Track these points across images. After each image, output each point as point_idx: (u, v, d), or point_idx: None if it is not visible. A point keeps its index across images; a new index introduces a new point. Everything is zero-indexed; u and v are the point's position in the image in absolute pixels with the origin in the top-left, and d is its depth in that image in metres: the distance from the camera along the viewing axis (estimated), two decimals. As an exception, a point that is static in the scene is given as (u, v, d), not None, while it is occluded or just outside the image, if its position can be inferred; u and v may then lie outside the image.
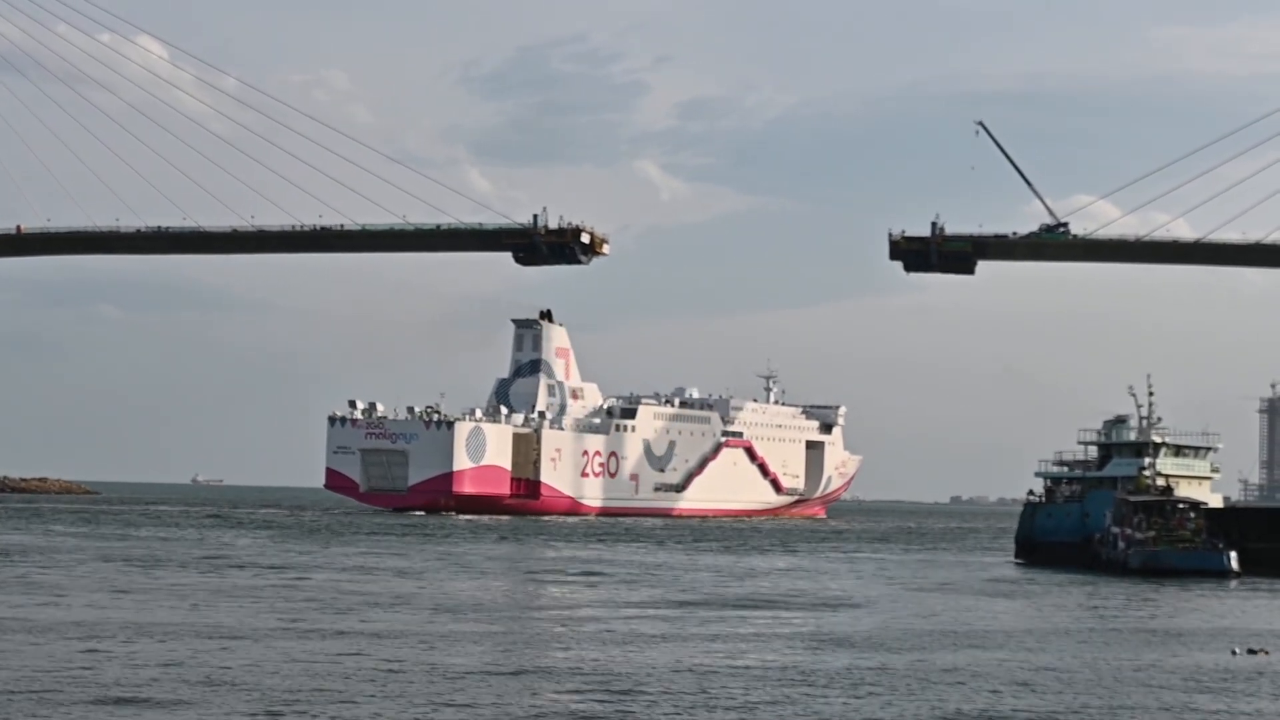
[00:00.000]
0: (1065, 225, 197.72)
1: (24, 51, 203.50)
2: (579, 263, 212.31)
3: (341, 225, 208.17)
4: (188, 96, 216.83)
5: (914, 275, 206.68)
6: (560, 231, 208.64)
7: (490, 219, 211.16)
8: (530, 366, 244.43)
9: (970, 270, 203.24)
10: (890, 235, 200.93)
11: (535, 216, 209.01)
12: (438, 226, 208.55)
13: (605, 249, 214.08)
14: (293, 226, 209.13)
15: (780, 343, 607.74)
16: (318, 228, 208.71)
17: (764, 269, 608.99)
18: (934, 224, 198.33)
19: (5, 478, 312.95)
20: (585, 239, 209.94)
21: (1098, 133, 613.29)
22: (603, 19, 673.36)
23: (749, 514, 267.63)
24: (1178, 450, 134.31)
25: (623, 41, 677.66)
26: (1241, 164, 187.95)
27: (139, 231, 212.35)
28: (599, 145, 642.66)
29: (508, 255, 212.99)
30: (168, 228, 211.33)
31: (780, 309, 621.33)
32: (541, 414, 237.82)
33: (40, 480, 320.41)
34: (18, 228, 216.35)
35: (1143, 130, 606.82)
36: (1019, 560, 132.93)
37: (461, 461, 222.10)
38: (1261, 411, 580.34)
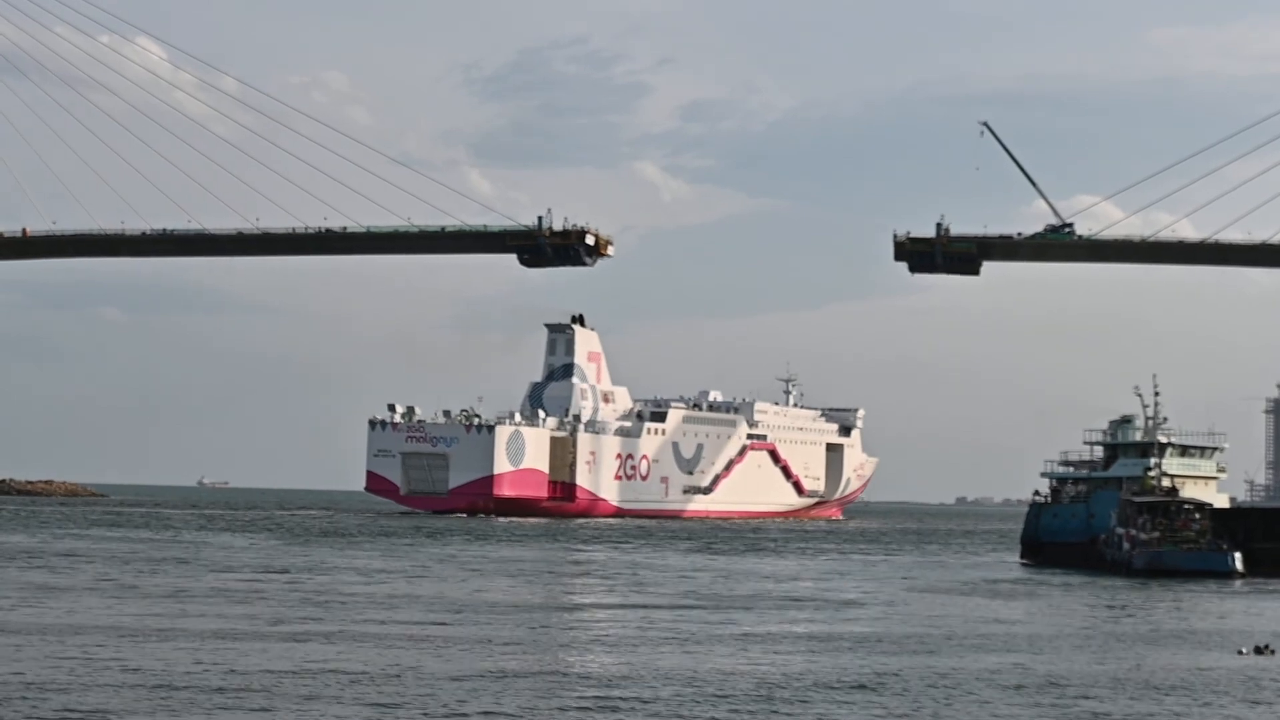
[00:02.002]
0: (1070, 226, 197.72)
1: (26, 52, 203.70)
2: (584, 264, 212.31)
3: (344, 227, 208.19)
4: (188, 98, 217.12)
5: (919, 276, 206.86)
6: (565, 233, 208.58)
7: (493, 221, 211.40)
8: (563, 370, 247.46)
9: (975, 271, 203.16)
10: (895, 236, 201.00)
11: (540, 218, 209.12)
12: (442, 228, 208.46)
13: (610, 250, 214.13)
14: (294, 229, 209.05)
15: (785, 345, 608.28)
16: (322, 230, 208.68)
17: (767, 271, 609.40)
18: (939, 225, 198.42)
19: (10, 480, 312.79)
20: (590, 240, 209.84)
21: (1101, 133, 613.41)
22: (604, 21, 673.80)
23: (772, 516, 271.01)
24: (1183, 450, 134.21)
25: (624, 43, 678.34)
26: (1246, 165, 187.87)
27: (144, 234, 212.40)
28: (600, 147, 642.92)
29: (511, 257, 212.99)
30: (173, 230, 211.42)
31: (784, 311, 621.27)
32: (577, 418, 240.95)
33: (46, 483, 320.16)
34: (24, 230, 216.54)
35: (1146, 131, 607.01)
36: (1024, 561, 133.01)
37: (502, 465, 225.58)
38: (1268, 412, 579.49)
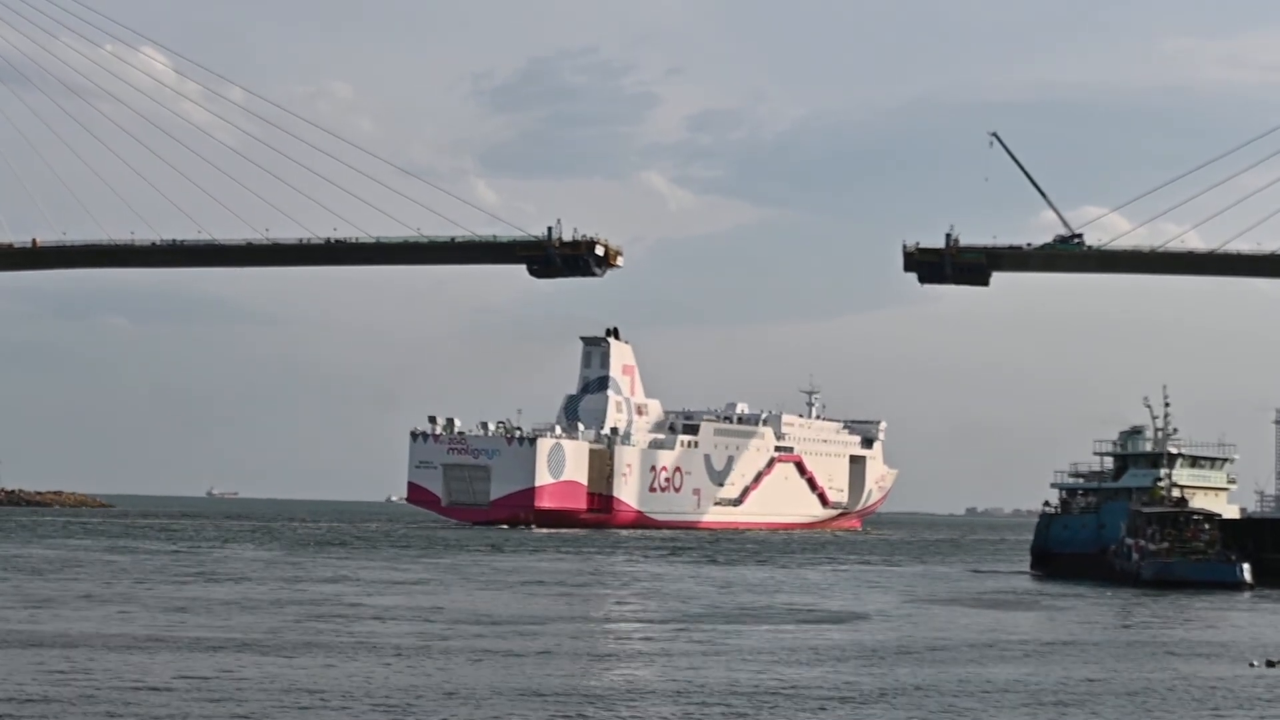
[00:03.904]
0: (1080, 236, 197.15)
1: (33, 60, 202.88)
2: (593, 275, 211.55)
3: (354, 238, 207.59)
4: (195, 107, 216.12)
5: (928, 287, 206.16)
6: (575, 244, 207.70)
7: (502, 231, 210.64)
8: (598, 383, 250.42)
9: (985, 281, 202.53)
10: (904, 247, 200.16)
11: (550, 229, 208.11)
12: (452, 239, 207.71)
13: (619, 261, 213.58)
14: (303, 240, 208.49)
15: (794, 356, 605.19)
16: (332, 240, 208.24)
17: (776, 281, 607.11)
18: (948, 235, 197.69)
19: (20, 491, 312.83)
20: (599, 251, 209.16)
21: (1108, 143, 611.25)
22: (614, 31, 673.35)
23: (798, 527, 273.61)
24: (1193, 461, 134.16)
25: (634, 53, 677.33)
26: (1254, 175, 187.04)
27: (154, 245, 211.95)
28: (609, 157, 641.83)
29: (520, 268, 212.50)
30: (182, 241, 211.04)
31: (793, 322, 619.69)
32: (614, 430, 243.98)
33: (55, 493, 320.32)
34: (33, 241, 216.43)
35: (1154, 141, 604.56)
36: (1034, 571, 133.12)
37: (543, 477, 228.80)
38: (1277, 423, 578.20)
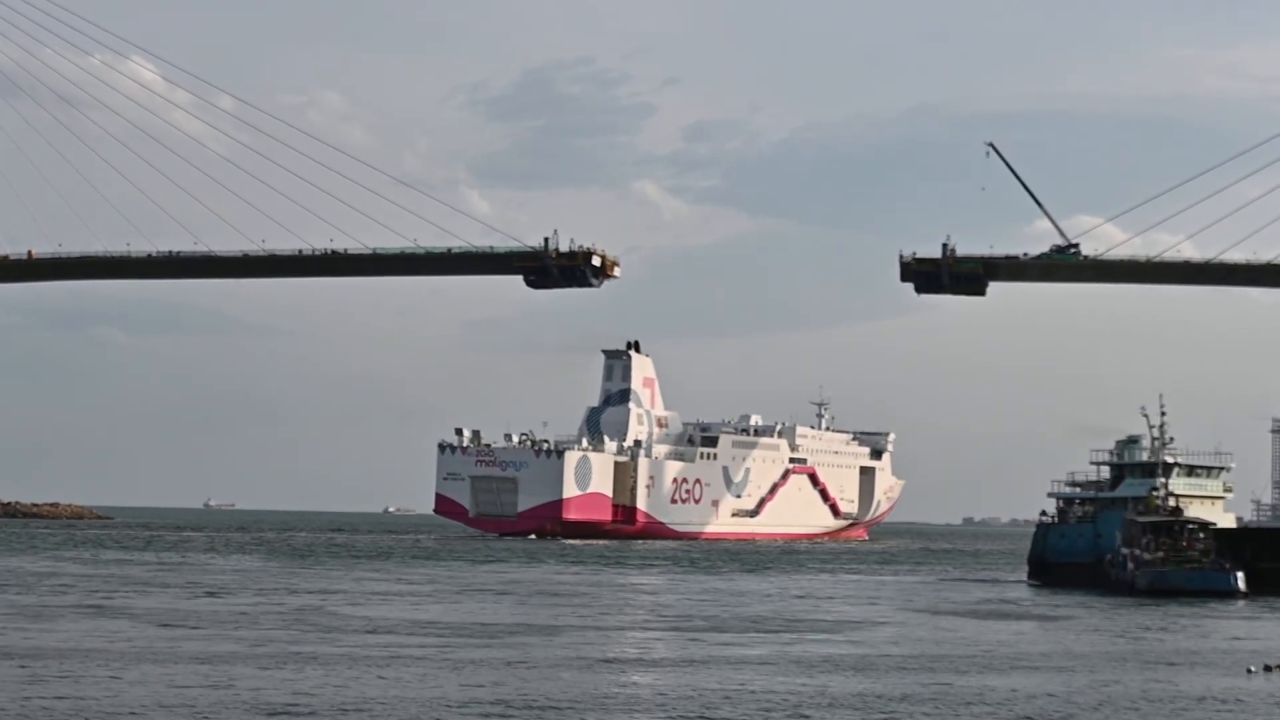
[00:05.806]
0: (1076, 246, 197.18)
1: (25, 70, 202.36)
2: (590, 285, 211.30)
3: (350, 249, 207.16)
4: (187, 117, 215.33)
5: (925, 297, 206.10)
6: (571, 254, 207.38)
7: (498, 242, 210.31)
8: (620, 396, 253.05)
9: (981, 291, 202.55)
10: (901, 257, 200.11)
11: (546, 239, 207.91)
12: (448, 250, 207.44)
13: (616, 271, 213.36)
14: (299, 250, 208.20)
15: (792, 366, 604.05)
16: (328, 251, 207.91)
17: (773, 292, 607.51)
18: (945, 245, 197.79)
19: (16, 503, 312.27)
20: (596, 261, 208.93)
21: (1105, 153, 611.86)
22: (610, 41, 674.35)
23: (810, 538, 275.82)
24: (1190, 470, 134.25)
25: (630, 64, 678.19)
26: (1251, 184, 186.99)
27: (150, 256, 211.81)
28: (604, 167, 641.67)
29: (517, 279, 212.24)
30: (178, 252, 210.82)
31: (791, 332, 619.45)
32: (638, 442, 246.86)
33: (51, 505, 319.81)
34: (29, 253, 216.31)
35: (1150, 151, 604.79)
36: (1032, 581, 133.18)
37: (570, 489, 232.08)
38: (1274, 431, 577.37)
